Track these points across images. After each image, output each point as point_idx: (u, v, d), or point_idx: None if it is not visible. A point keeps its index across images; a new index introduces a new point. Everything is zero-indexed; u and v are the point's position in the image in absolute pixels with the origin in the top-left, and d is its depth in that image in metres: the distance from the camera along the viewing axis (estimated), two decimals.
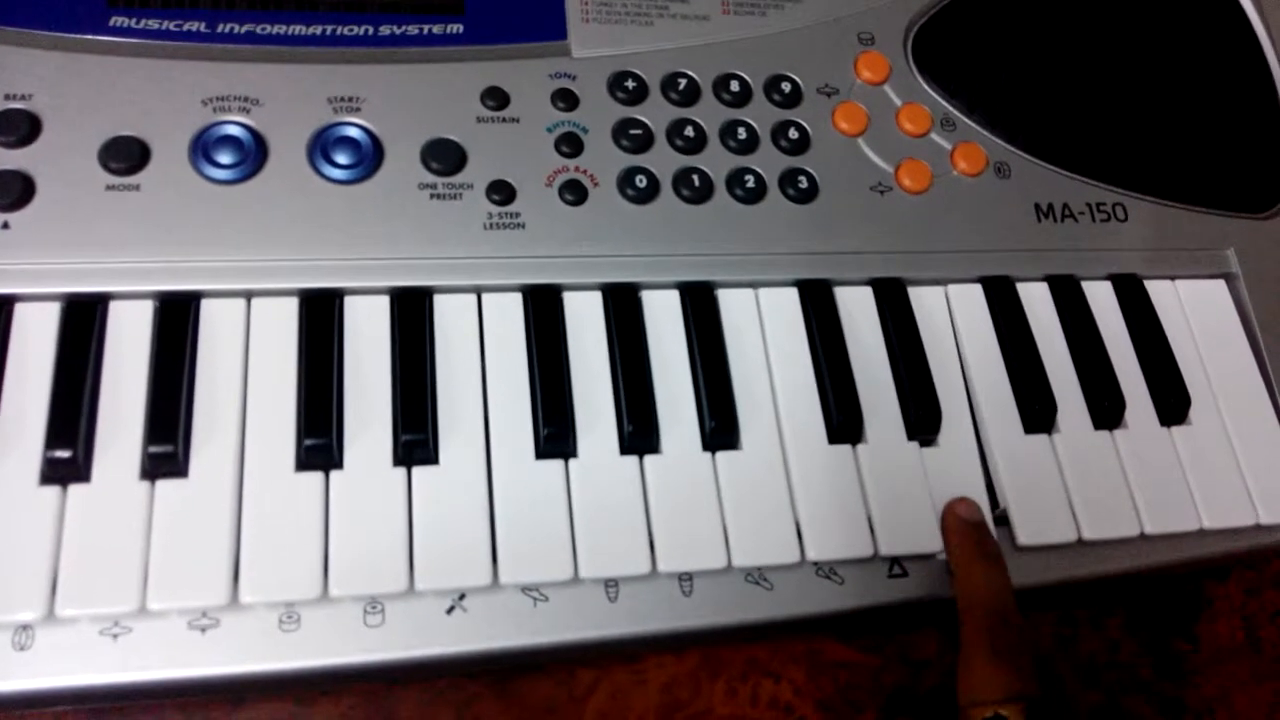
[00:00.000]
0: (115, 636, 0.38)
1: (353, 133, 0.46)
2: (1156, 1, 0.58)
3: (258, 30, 0.48)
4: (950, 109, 0.53)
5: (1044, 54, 0.55)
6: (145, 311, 0.43)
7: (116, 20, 0.47)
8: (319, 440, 0.41)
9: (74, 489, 0.39)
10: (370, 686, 0.44)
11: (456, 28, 0.49)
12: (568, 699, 0.45)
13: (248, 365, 0.43)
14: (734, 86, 0.51)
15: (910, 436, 0.46)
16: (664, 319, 0.47)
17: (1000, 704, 0.37)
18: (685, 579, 0.43)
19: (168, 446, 0.40)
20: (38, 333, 0.42)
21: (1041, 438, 0.47)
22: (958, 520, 0.44)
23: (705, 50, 0.51)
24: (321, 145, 0.46)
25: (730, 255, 0.48)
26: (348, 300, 0.45)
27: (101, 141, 0.45)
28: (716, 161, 0.49)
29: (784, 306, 0.48)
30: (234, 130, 0.46)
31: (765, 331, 0.47)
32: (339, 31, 0.48)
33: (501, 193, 0.47)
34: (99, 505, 0.39)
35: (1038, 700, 0.38)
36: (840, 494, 0.44)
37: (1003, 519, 0.45)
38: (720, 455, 0.44)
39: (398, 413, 0.42)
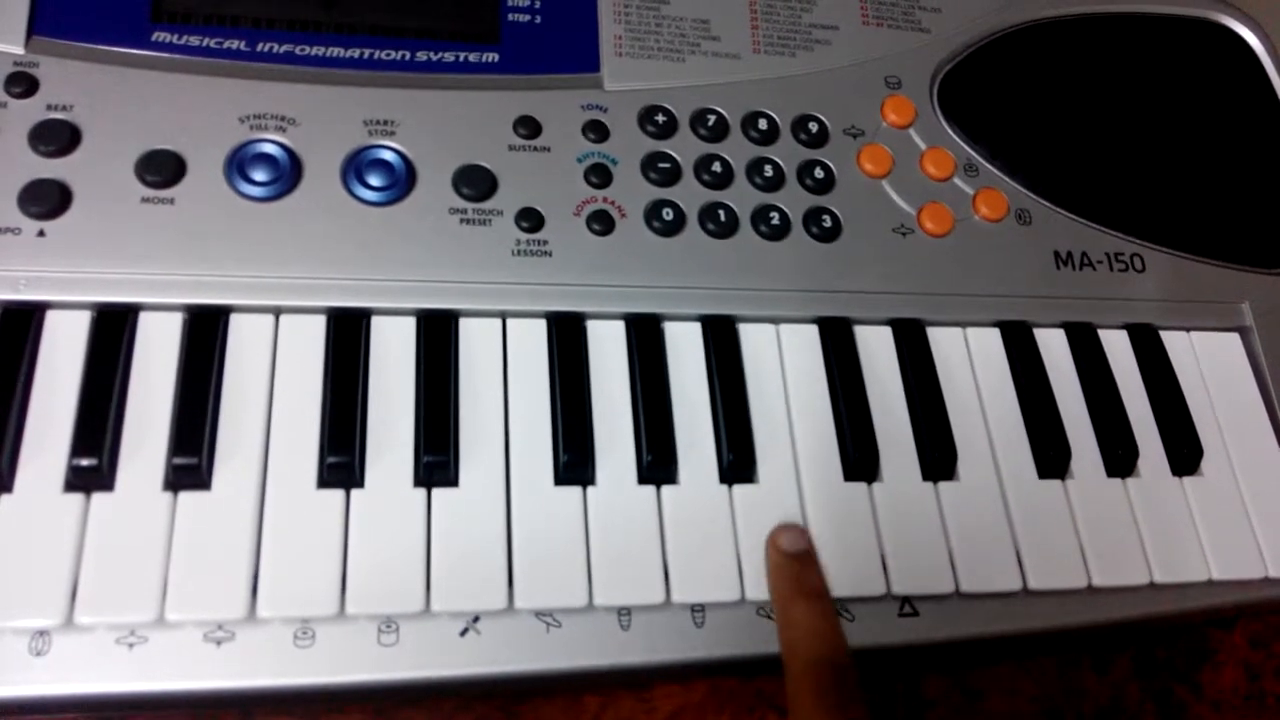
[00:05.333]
0: (131, 646, 0.39)
1: (386, 155, 0.47)
2: (1178, 58, 0.59)
3: (297, 51, 0.49)
4: (974, 155, 0.53)
5: (1067, 105, 0.56)
6: (174, 324, 0.43)
7: (159, 35, 0.48)
8: (341, 458, 0.41)
9: (97, 497, 0.40)
10: (378, 705, 0.44)
11: (492, 56, 0.50)
12: None
13: (274, 381, 0.43)
14: (762, 124, 0.52)
15: (925, 476, 0.46)
16: (685, 351, 0.47)
17: None
18: (698, 610, 0.43)
19: (192, 458, 0.40)
20: (68, 341, 0.42)
21: (1055, 483, 0.48)
22: (777, 553, 0.40)
23: (735, 88, 0.52)
24: (355, 167, 0.47)
25: (752, 290, 0.48)
26: (375, 320, 0.45)
27: (139, 154, 0.45)
28: (742, 197, 0.50)
29: (804, 343, 0.48)
30: (270, 148, 0.46)
31: (785, 367, 0.48)
32: (376, 56, 0.49)
33: (530, 220, 0.47)
34: (121, 514, 0.40)
35: None
36: (854, 531, 0.44)
37: None
38: (737, 488, 0.44)
39: (420, 434, 0.43)
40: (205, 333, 0.43)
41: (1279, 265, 0.55)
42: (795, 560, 0.41)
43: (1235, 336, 0.54)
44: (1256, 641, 0.53)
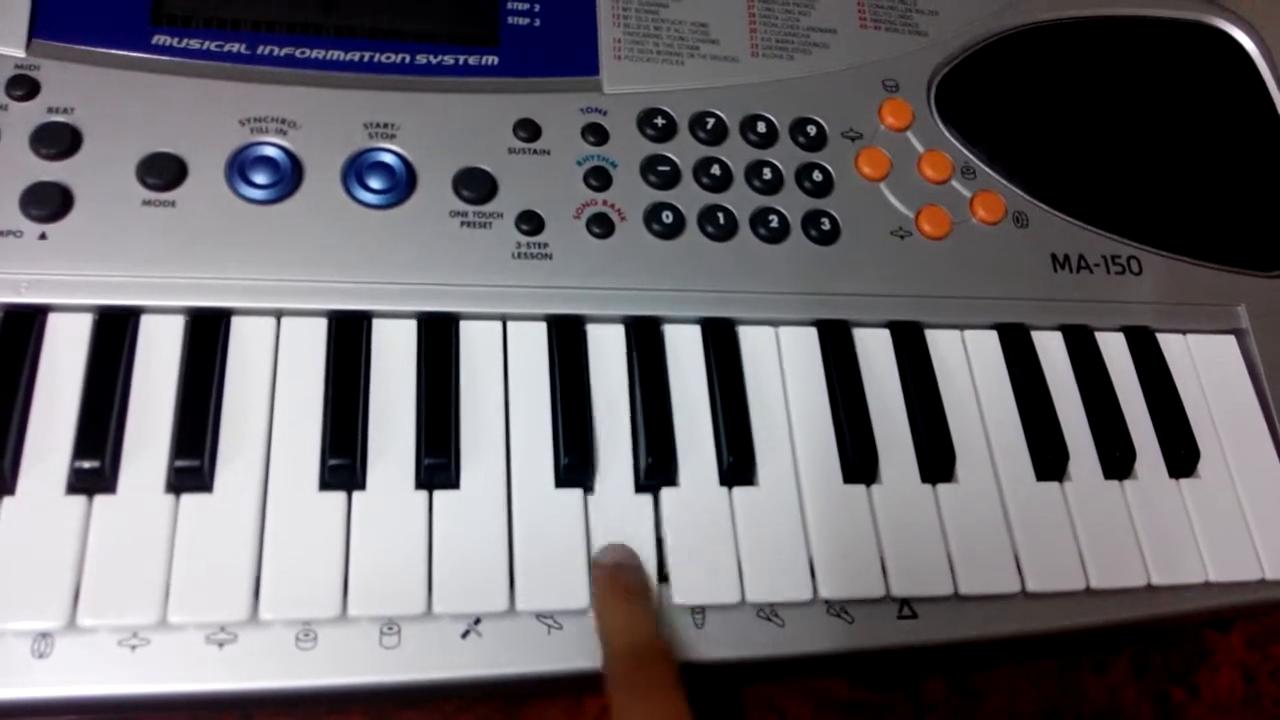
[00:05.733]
0: (133, 648, 0.39)
1: (387, 158, 0.47)
2: (1174, 61, 0.59)
3: (297, 54, 0.49)
4: (971, 158, 0.54)
5: (1064, 108, 0.56)
6: (176, 326, 0.44)
7: (159, 38, 0.48)
8: (343, 461, 0.41)
9: (100, 500, 0.40)
10: (379, 707, 0.44)
11: (491, 59, 0.50)
12: None
13: (275, 384, 0.43)
14: (760, 127, 0.52)
15: (924, 479, 0.47)
16: (685, 353, 0.47)
17: None
18: (698, 612, 0.43)
19: (194, 461, 0.40)
20: (69, 344, 0.42)
21: (1052, 485, 0.48)
22: (596, 566, 0.42)
23: (734, 91, 0.52)
24: (356, 169, 0.47)
25: (752, 293, 0.48)
26: (376, 323, 0.45)
27: (140, 157, 0.45)
28: (741, 200, 0.50)
29: (803, 346, 0.48)
30: (270, 151, 0.46)
31: (784, 369, 0.48)
32: (376, 59, 0.49)
33: (530, 223, 0.47)
34: (123, 517, 0.40)
35: None
36: (854, 533, 0.45)
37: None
38: (737, 490, 0.44)
39: (421, 436, 0.43)
40: (207, 335, 0.43)
41: (1275, 268, 0.55)
42: (611, 566, 0.42)
43: (1231, 339, 0.54)
44: (1253, 643, 0.53)
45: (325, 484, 0.42)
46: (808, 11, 0.55)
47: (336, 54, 0.49)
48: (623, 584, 0.41)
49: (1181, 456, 0.50)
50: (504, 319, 0.46)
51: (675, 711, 0.35)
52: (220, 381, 0.43)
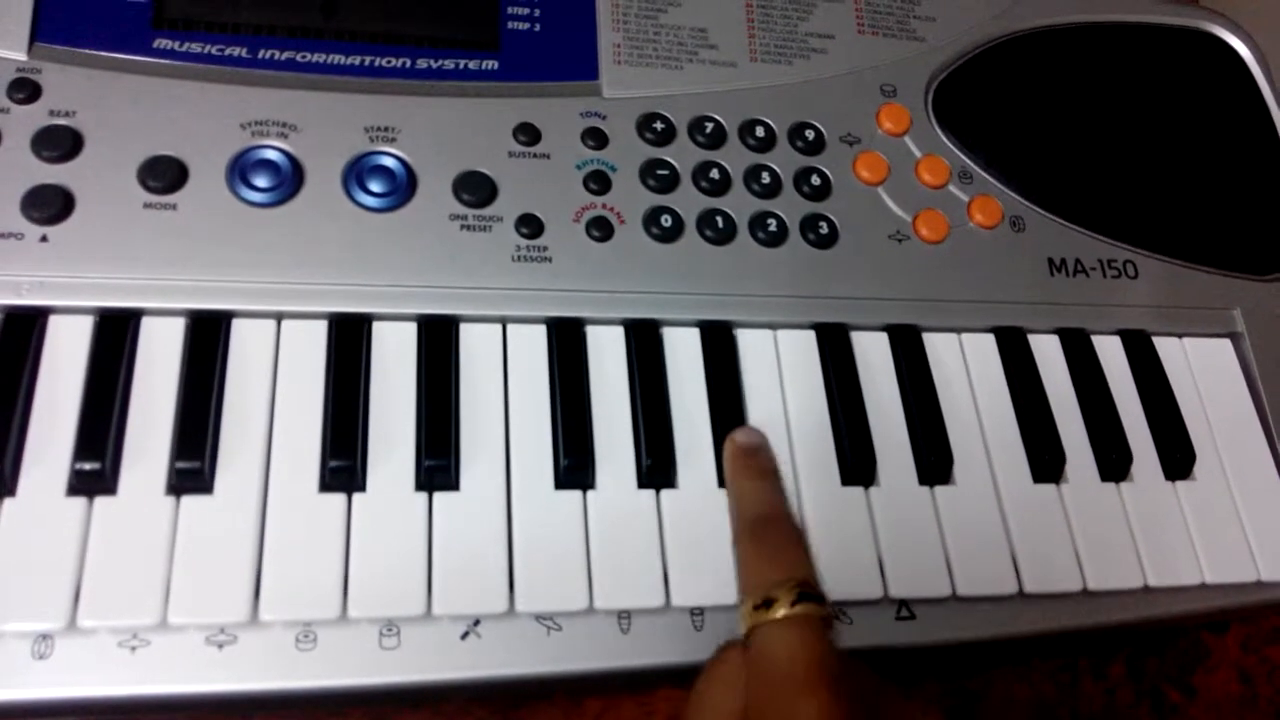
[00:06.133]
0: (133, 649, 0.39)
1: (387, 162, 0.47)
2: (1169, 67, 0.60)
3: (298, 58, 0.49)
4: (968, 162, 0.54)
5: (1060, 113, 0.57)
6: (177, 329, 0.44)
7: (160, 42, 0.48)
8: (343, 462, 0.42)
9: (100, 501, 0.40)
10: (379, 708, 0.44)
11: (491, 64, 0.51)
12: None
13: (276, 386, 0.43)
14: (759, 132, 0.52)
15: (922, 481, 0.47)
16: (684, 356, 0.47)
17: (768, 589, 0.34)
18: (697, 613, 0.43)
19: (194, 463, 0.41)
20: (70, 346, 0.42)
21: (1049, 487, 0.48)
22: (732, 445, 0.42)
23: (732, 96, 0.53)
24: (356, 173, 0.47)
25: (750, 296, 0.49)
26: (376, 325, 0.45)
27: (141, 160, 0.45)
28: (740, 204, 0.51)
29: (801, 349, 0.49)
30: (271, 155, 0.46)
31: (782, 372, 0.48)
32: (377, 63, 0.50)
33: (530, 226, 0.47)
34: (124, 518, 0.40)
35: (812, 584, 0.34)
36: (851, 535, 0.45)
37: None
38: None
39: (421, 438, 0.43)
40: (207, 337, 0.43)
41: (1270, 272, 0.56)
42: (748, 449, 0.42)
43: (1227, 342, 0.54)
44: (1249, 645, 0.54)
45: (325, 486, 0.42)
46: (806, 17, 0.55)
47: (337, 58, 0.49)
48: (756, 463, 0.41)
49: (1177, 459, 0.50)
50: (504, 321, 0.46)
51: (804, 565, 0.36)
52: (221, 383, 0.43)
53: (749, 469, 0.41)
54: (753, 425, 0.44)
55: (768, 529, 0.38)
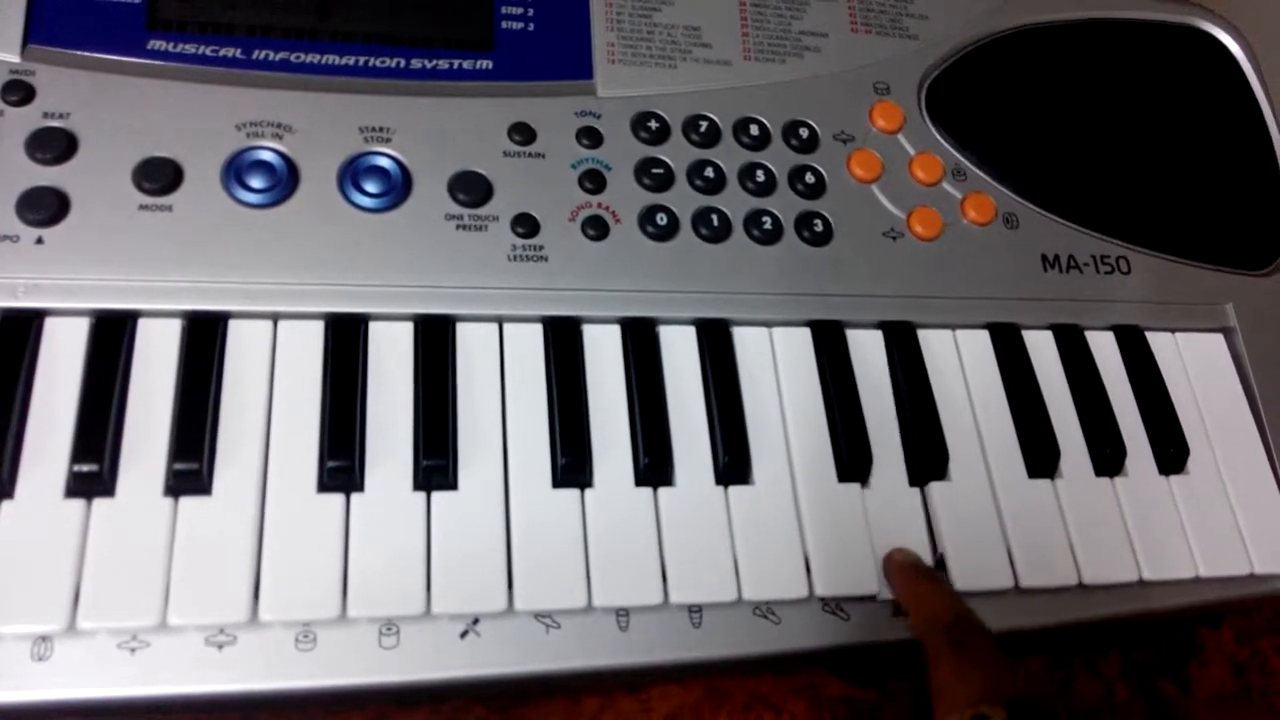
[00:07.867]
0: (133, 650, 0.39)
1: (382, 162, 0.47)
2: (1161, 64, 0.60)
3: (292, 59, 0.49)
4: (961, 160, 0.54)
5: (1053, 110, 0.57)
6: (173, 330, 0.44)
7: (155, 44, 0.48)
8: (341, 463, 0.42)
9: (98, 503, 0.40)
10: (378, 707, 0.44)
11: (486, 64, 0.51)
12: None
13: (273, 386, 0.43)
14: (753, 130, 0.52)
15: (917, 477, 0.47)
16: (680, 354, 0.48)
17: (977, 705, 0.35)
18: (695, 610, 0.43)
19: (192, 464, 0.41)
20: (67, 348, 0.43)
21: (1044, 483, 0.48)
22: (895, 563, 0.44)
23: (727, 94, 0.53)
24: (351, 173, 0.47)
25: (746, 294, 0.49)
26: (373, 326, 0.45)
27: (136, 162, 0.45)
28: (735, 202, 0.51)
29: (797, 346, 0.49)
30: (266, 155, 0.47)
31: (778, 370, 0.48)
32: (371, 63, 0.50)
33: (526, 226, 0.48)
34: (123, 520, 0.40)
35: (1021, 700, 0.35)
36: (848, 531, 0.45)
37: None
38: (732, 490, 0.45)
39: (419, 438, 0.43)
40: (204, 339, 0.43)
41: (1262, 267, 0.56)
42: (914, 564, 0.44)
43: (1220, 337, 0.55)
44: (1243, 638, 0.54)
45: (324, 486, 0.42)
46: (799, 16, 0.56)
47: (332, 59, 0.49)
48: (927, 569, 0.43)
49: (1171, 454, 0.50)
50: (500, 321, 0.47)
51: (1011, 676, 0.37)
52: (218, 384, 0.43)
53: (921, 572, 0.43)
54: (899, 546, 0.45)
55: (967, 639, 0.39)
